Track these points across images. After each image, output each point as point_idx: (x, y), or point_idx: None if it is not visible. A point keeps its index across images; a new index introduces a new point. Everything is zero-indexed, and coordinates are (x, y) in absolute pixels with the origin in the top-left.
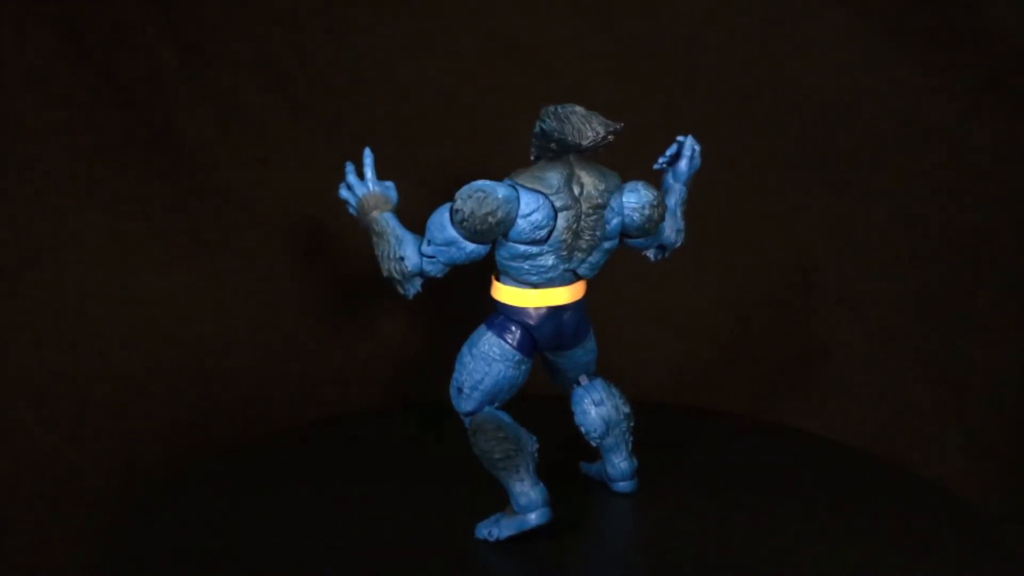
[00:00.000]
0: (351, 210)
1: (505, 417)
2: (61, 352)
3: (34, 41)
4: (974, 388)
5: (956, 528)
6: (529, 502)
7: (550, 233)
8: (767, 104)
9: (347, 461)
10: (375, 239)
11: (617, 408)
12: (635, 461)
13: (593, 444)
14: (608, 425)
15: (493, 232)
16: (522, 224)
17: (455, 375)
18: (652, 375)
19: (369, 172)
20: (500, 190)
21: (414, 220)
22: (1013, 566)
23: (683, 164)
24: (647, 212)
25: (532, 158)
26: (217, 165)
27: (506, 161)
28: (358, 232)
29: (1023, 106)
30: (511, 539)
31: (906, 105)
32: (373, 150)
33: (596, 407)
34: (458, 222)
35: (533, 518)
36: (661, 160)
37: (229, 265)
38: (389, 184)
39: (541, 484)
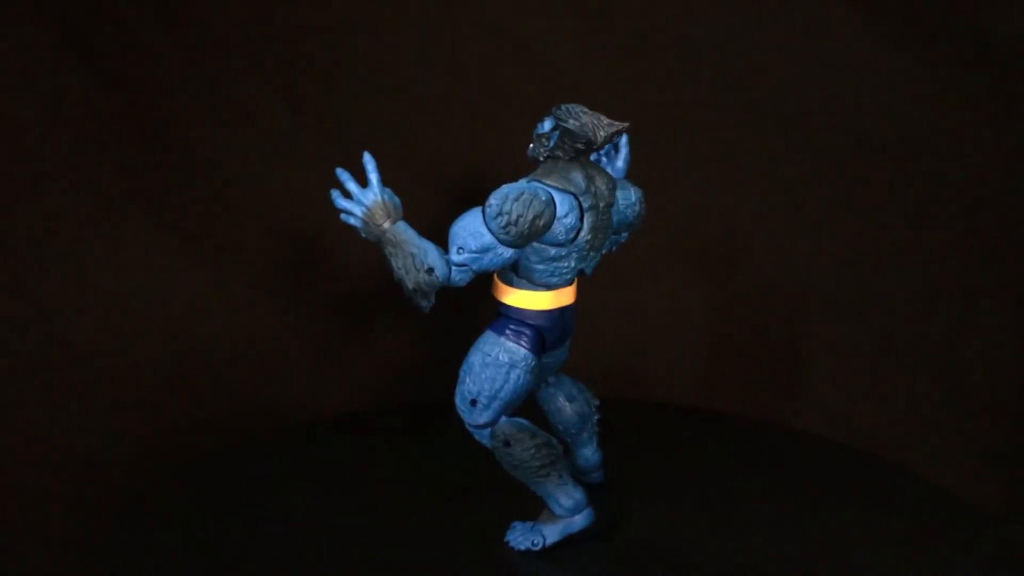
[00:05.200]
0: (354, 222)
1: (528, 424)
2: (60, 352)
3: (35, 42)
4: (974, 388)
5: (956, 528)
6: (575, 504)
7: (577, 234)
8: (767, 104)
9: (348, 462)
10: (391, 250)
11: (588, 402)
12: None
13: (567, 439)
14: (583, 419)
15: (536, 236)
16: (556, 227)
17: (465, 387)
18: (652, 375)
19: (374, 178)
20: (541, 192)
21: (416, 222)
22: (1013, 566)
23: (620, 162)
24: (637, 208)
25: (541, 159)
26: (217, 165)
27: (506, 161)
28: (356, 232)
29: None
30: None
31: (908, 104)
32: (373, 151)
33: (570, 403)
34: (501, 227)
35: (579, 520)
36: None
37: (228, 265)
38: (389, 190)
39: (579, 485)
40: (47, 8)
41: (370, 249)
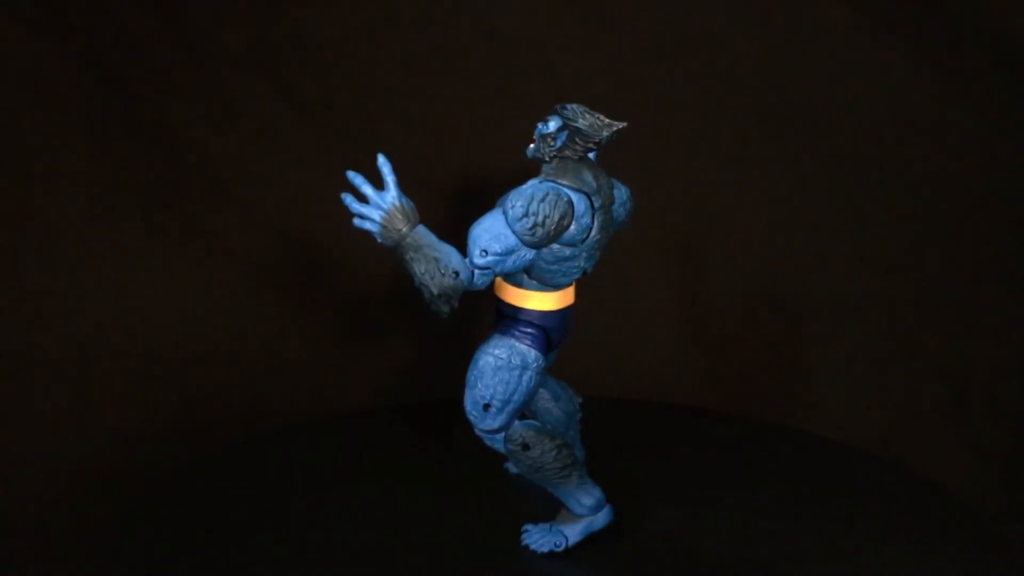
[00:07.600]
0: (370, 226)
1: (541, 425)
2: (60, 351)
3: (34, 42)
4: (974, 388)
5: (956, 528)
6: (596, 502)
7: (589, 233)
8: (766, 103)
9: (348, 462)
10: (412, 255)
11: (572, 400)
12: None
13: None
14: (569, 418)
15: (557, 236)
16: (573, 227)
17: (476, 392)
18: (652, 375)
19: (391, 180)
20: (562, 192)
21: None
22: (1013, 566)
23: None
24: (629, 207)
25: (546, 159)
26: (217, 165)
27: (507, 162)
28: (356, 232)
29: None
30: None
31: (907, 104)
32: (375, 151)
33: (556, 403)
34: (528, 228)
35: (601, 518)
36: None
37: (229, 265)
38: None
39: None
40: (50, 11)
41: (372, 249)
